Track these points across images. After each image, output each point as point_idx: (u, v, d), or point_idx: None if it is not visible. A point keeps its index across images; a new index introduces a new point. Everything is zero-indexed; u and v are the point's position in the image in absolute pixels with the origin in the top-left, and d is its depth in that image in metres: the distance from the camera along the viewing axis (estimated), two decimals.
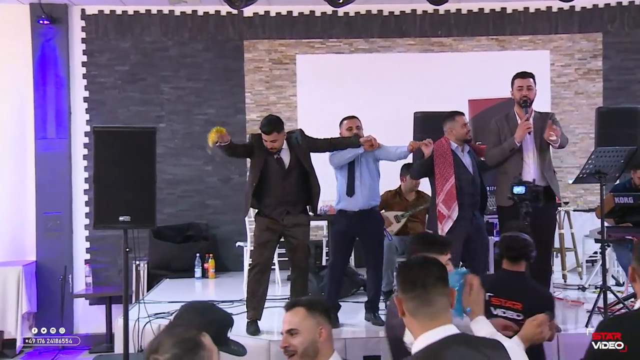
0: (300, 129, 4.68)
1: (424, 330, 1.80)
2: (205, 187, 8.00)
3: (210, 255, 7.43)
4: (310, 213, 4.68)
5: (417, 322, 1.82)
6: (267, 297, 4.87)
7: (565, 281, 6.46)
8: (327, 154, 4.73)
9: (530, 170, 4.32)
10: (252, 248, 4.61)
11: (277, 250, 4.96)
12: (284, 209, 4.41)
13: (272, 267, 4.70)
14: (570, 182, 6.49)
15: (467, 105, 6.99)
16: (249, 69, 7.98)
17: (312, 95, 7.91)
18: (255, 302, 4.49)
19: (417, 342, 1.81)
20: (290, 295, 4.60)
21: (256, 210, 4.58)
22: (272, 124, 4.38)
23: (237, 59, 7.92)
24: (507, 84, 4.71)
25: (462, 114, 4.56)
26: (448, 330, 1.80)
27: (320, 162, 4.82)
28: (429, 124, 5.90)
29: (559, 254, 6.67)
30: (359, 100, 7.78)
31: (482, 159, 4.69)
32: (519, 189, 3.49)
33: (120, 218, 4.23)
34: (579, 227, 6.99)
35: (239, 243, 6.88)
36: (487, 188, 4.80)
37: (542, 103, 7.60)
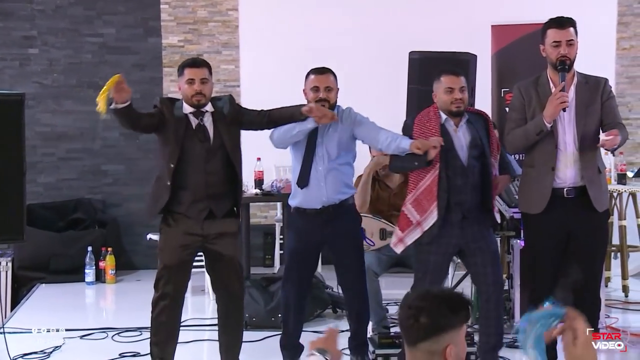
0: (230, 95, 4.63)
1: None
2: (101, 146, 7.91)
3: (109, 249, 7.42)
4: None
5: None
6: (195, 324, 5.53)
7: (626, 295, 6.52)
8: None
9: (568, 164, 4.26)
10: (157, 269, 4.49)
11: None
12: (205, 207, 4.39)
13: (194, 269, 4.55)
14: (631, 175, 6.48)
15: (489, 33, 6.92)
16: None
17: (262, 10, 7.87)
18: (164, 353, 4.45)
19: None
20: (219, 334, 4.59)
21: (160, 216, 4.50)
22: (202, 59, 4.58)
23: None
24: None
25: (452, 73, 4.44)
26: None
27: None
28: (431, 71, 5.53)
29: (617, 255, 6.70)
30: (329, 23, 7.66)
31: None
32: None
33: None
34: None
35: (150, 235, 6.90)
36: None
37: (603, 35, 7.69)
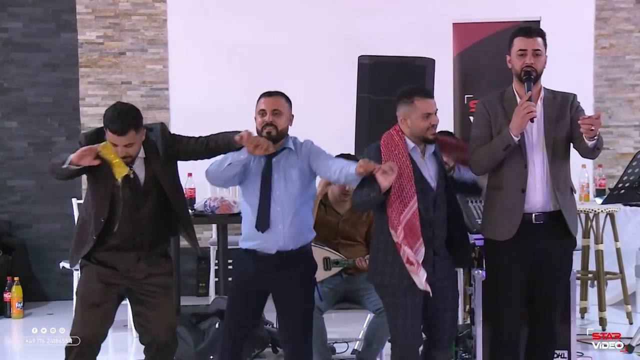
0: (162, 124, 4.56)
1: None
2: (7, 157, 7.91)
3: (15, 278, 7.33)
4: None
5: None
6: None
7: (604, 329, 6.41)
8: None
9: (538, 186, 4.28)
10: (75, 310, 4.44)
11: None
12: (135, 257, 4.39)
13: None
14: (600, 201, 6.42)
15: (450, 32, 6.94)
16: None
17: (194, 3, 7.92)
18: None
19: None
20: None
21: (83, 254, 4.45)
22: (127, 117, 4.31)
23: None
24: None
25: (425, 93, 4.38)
26: None
27: None
28: (382, 77, 5.72)
29: (594, 284, 6.61)
30: (273, 24, 7.68)
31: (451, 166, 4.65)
32: None
33: None
34: (632, 233, 7.04)
35: (64, 264, 6.72)
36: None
37: (579, 33, 7.89)
